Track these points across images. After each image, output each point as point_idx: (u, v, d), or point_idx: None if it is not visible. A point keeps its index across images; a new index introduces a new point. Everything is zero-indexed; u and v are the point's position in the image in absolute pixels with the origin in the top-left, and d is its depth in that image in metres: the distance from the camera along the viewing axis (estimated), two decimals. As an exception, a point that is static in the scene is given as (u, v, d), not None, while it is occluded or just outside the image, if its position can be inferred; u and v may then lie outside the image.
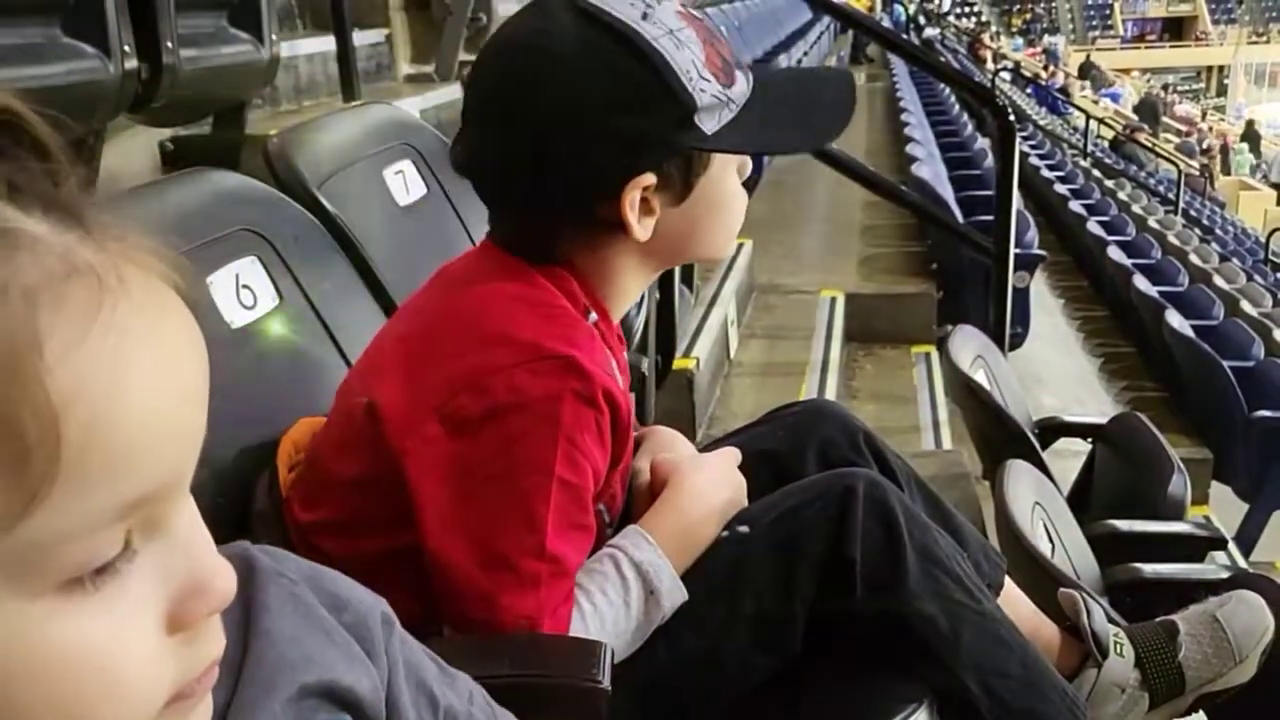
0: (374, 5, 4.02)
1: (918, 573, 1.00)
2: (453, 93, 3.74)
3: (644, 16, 0.96)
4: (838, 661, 1.02)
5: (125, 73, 2.03)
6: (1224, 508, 4.36)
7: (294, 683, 0.55)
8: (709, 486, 1.05)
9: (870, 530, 1.00)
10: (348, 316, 1.29)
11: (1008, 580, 1.24)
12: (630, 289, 1.05)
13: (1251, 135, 22.67)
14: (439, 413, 0.92)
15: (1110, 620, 1.27)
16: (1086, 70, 25.31)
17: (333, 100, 3.43)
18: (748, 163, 1.07)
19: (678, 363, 2.74)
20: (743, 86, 1.03)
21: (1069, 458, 2.73)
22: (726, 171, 1.04)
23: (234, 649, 0.53)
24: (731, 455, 1.09)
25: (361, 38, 3.76)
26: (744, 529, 1.03)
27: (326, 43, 3.46)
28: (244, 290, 1.18)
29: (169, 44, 2.17)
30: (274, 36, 2.66)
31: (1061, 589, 1.27)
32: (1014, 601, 1.23)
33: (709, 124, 0.99)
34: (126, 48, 2.05)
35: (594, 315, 1.01)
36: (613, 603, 0.96)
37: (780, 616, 1.00)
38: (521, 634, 0.89)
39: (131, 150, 2.62)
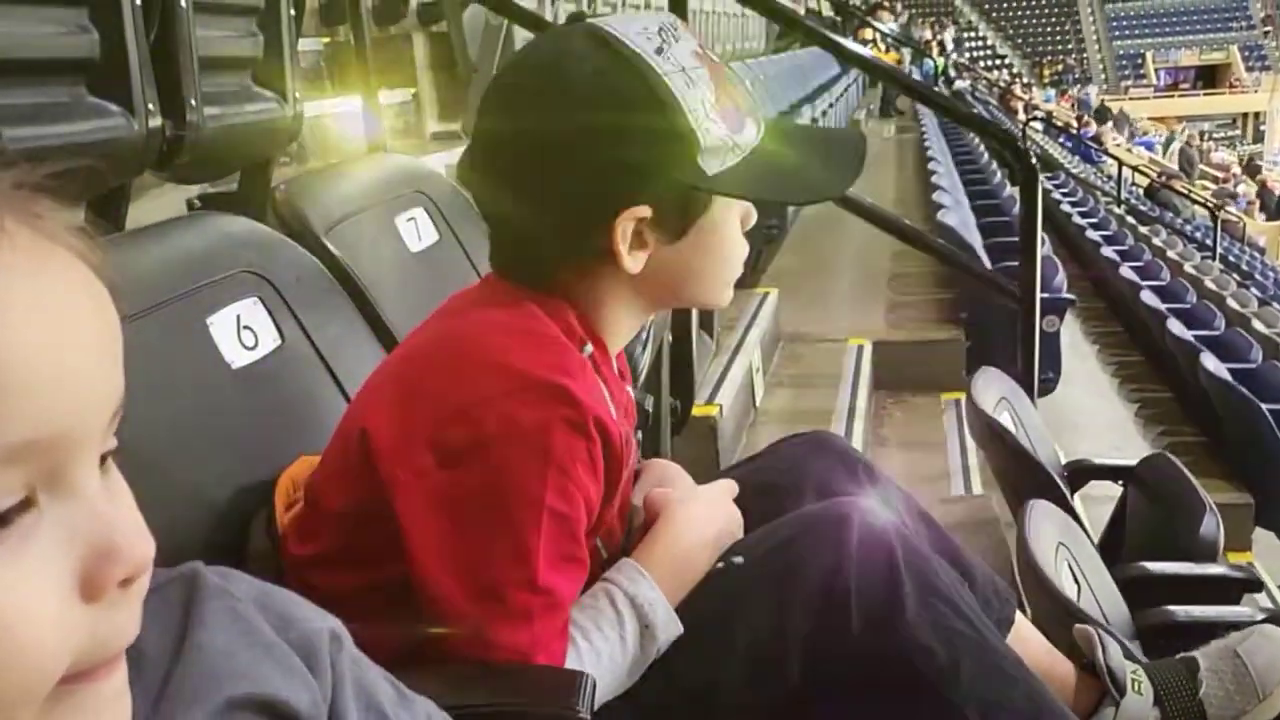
0: (400, 64, 4.09)
1: (915, 603, 0.98)
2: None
3: (659, 51, 0.97)
4: (836, 694, 1.00)
5: (149, 131, 2.07)
6: (1270, 554, 4.26)
7: (220, 696, 0.55)
8: (702, 518, 1.03)
9: (865, 560, 0.99)
10: (351, 358, 1.30)
11: (1020, 618, 1.21)
12: (625, 323, 1.05)
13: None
14: (430, 442, 0.92)
15: (1129, 657, 1.23)
16: (1104, 115, 25.21)
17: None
18: (751, 212, 1.07)
19: (700, 409, 2.73)
20: (751, 134, 1.02)
21: (1103, 503, 2.69)
22: (727, 216, 1.03)
23: (166, 661, 0.53)
24: (727, 487, 1.08)
25: (389, 97, 3.83)
26: (739, 560, 1.02)
27: (353, 102, 3.53)
28: (245, 331, 1.19)
29: (193, 102, 2.22)
30: (298, 95, 2.71)
31: (1077, 625, 1.24)
32: (1027, 639, 1.20)
33: (711, 165, 0.99)
34: (151, 106, 2.09)
35: (590, 347, 1.01)
36: (608, 638, 0.95)
37: (776, 648, 0.98)
38: (503, 664, 0.88)
39: (160, 206, 2.67)
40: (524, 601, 0.90)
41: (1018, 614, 1.21)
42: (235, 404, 1.15)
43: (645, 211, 0.98)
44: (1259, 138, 32.60)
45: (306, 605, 0.62)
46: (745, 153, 1.01)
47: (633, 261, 0.99)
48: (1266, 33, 35.70)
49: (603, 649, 0.94)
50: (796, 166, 1.06)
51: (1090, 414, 4.99)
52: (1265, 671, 1.22)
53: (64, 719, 0.45)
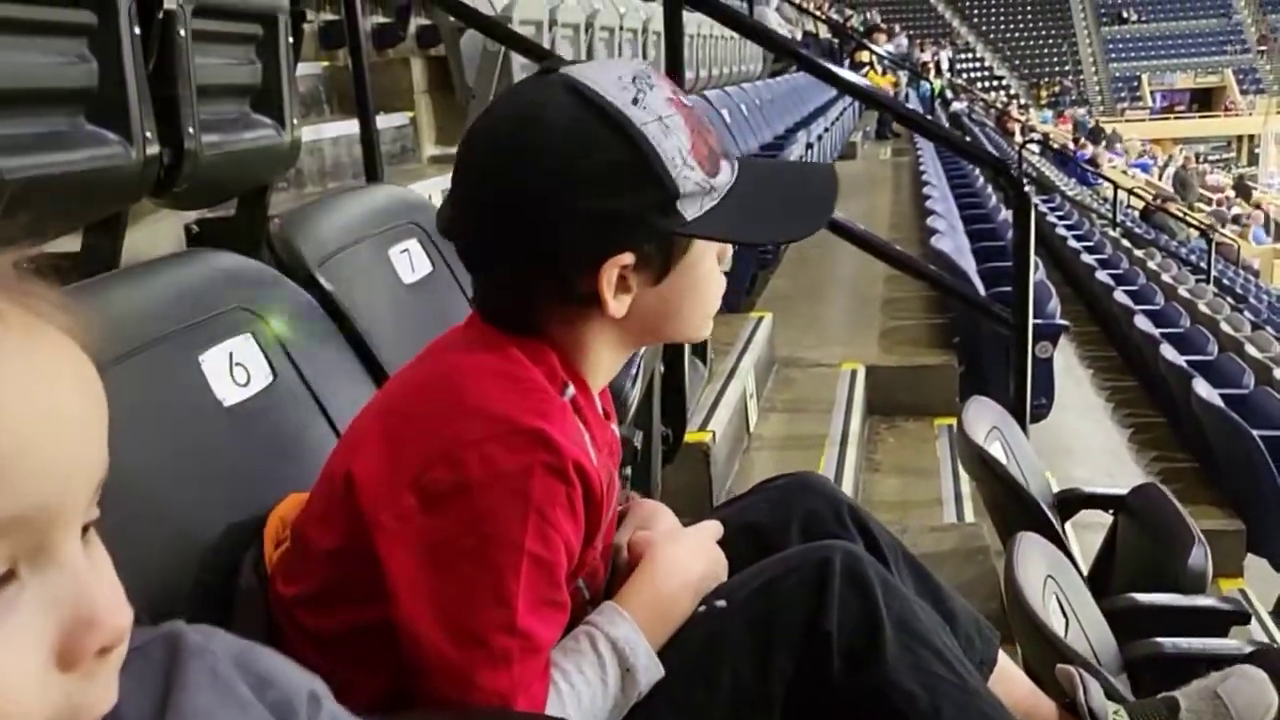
0: (399, 89, 4.12)
1: (896, 647, 0.99)
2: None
3: (634, 101, 0.98)
4: (820, 738, 1.00)
5: (147, 158, 2.08)
6: (1261, 581, 4.27)
7: None
8: (685, 561, 1.04)
9: (847, 603, 1.00)
10: (343, 395, 1.31)
11: (1004, 657, 1.22)
12: (606, 363, 1.06)
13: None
14: (413, 486, 0.93)
15: (1111, 696, 1.24)
16: (1097, 135, 25.32)
17: (358, 182, 3.50)
18: (728, 249, 1.09)
19: (693, 436, 2.74)
20: (726, 176, 1.04)
21: (1095, 530, 2.70)
22: (705, 256, 1.05)
23: None
24: (711, 529, 1.09)
25: (387, 121, 3.85)
26: (721, 603, 1.03)
27: (351, 126, 3.55)
28: (237, 368, 1.20)
29: (190, 130, 2.23)
30: (295, 121, 2.72)
31: (1059, 665, 1.24)
32: (1010, 679, 1.21)
33: (690, 210, 1.00)
34: (148, 134, 2.11)
35: (571, 390, 1.02)
36: (589, 681, 0.95)
37: (758, 692, 0.99)
38: (485, 708, 0.89)
39: (158, 233, 2.69)
40: (503, 645, 0.91)
41: (1001, 653, 1.22)
42: (226, 441, 1.16)
43: (628, 259, 0.99)
44: (1253, 160, 32.72)
45: (287, 665, 0.63)
46: (722, 194, 1.02)
47: (618, 306, 1.00)
48: (1261, 52, 35.87)
49: (584, 691, 0.95)
50: (771, 206, 1.08)
51: (1083, 439, 5.00)
52: (1245, 712, 1.23)
53: None
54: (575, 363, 1.03)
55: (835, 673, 0.99)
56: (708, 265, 1.05)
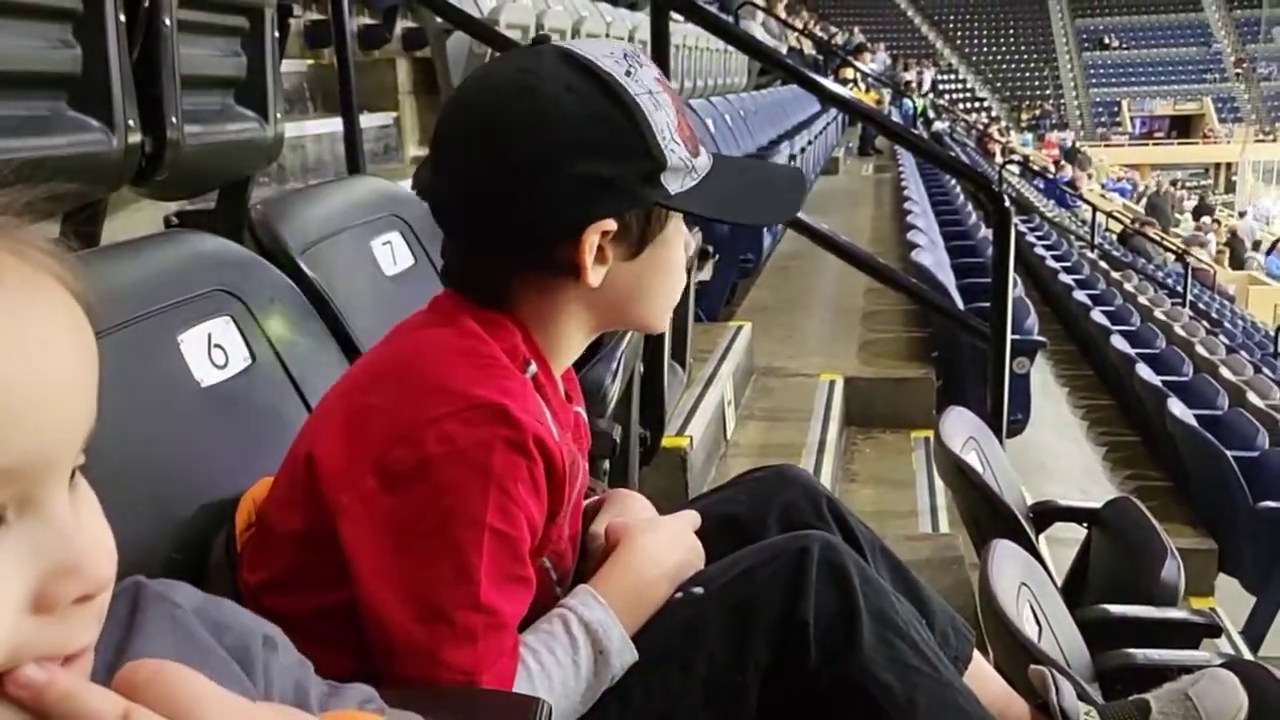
0: (384, 89, 4.11)
1: (872, 637, 0.99)
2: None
3: (627, 73, 0.99)
4: (791, 728, 1.00)
5: (129, 146, 2.07)
6: (1232, 600, 4.29)
7: None
8: (661, 548, 1.04)
9: (824, 593, 1.00)
10: (321, 380, 1.29)
11: (978, 656, 1.22)
12: (571, 341, 1.06)
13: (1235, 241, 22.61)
14: (374, 465, 0.93)
15: (1083, 699, 1.25)
16: (1073, 155, 25.59)
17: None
18: (691, 241, 1.10)
19: (670, 440, 2.74)
20: (705, 160, 1.06)
21: (1068, 545, 2.71)
22: (676, 239, 1.06)
23: (104, 671, 0.54)
24: (689, 519, 1.09)
25: (370, 120, 3.84)
26: (698, 590, 1.02)
27: (335, 124, 3.54)
28: (216, 350, 1.19)
29: (173, 119, 2.22)
30: (279, 115, 2.71)
31: (1032, 666, 1.25)
32: (983, 678, 1.21)
33: (673, 185, 1.01)
34: (131, 122, 2.09)
35: (534, 367, 1.02)
36: (561, 662, 0.95)
37: (734, 680, 0.99)
38: (458, 687, 0.88)
39: (136, 223, 2.67)
40: (468, 621, 0.91)
41: (975, 653, 1.22)
42: (202, 422, 1.15)
43: (611, 226, 1.00)
44: (1230, 187, 33.07)
45: (245, 613, 0.64)
46: (700, 177, 1.04)
47: (594, 275, 1.00)
48: (1238, 75, 36.26)
49: (554, 672, 0.95)
50: (744, 194, 1.09)
51: (1058, 456, 5.02)
52: (1215, 714, 1.24)
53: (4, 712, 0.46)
54: (539, 339, 1.03)
55: (811, 662, 0.99)
56: (677, 250, 1.07)
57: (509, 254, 1.01)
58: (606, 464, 1.44)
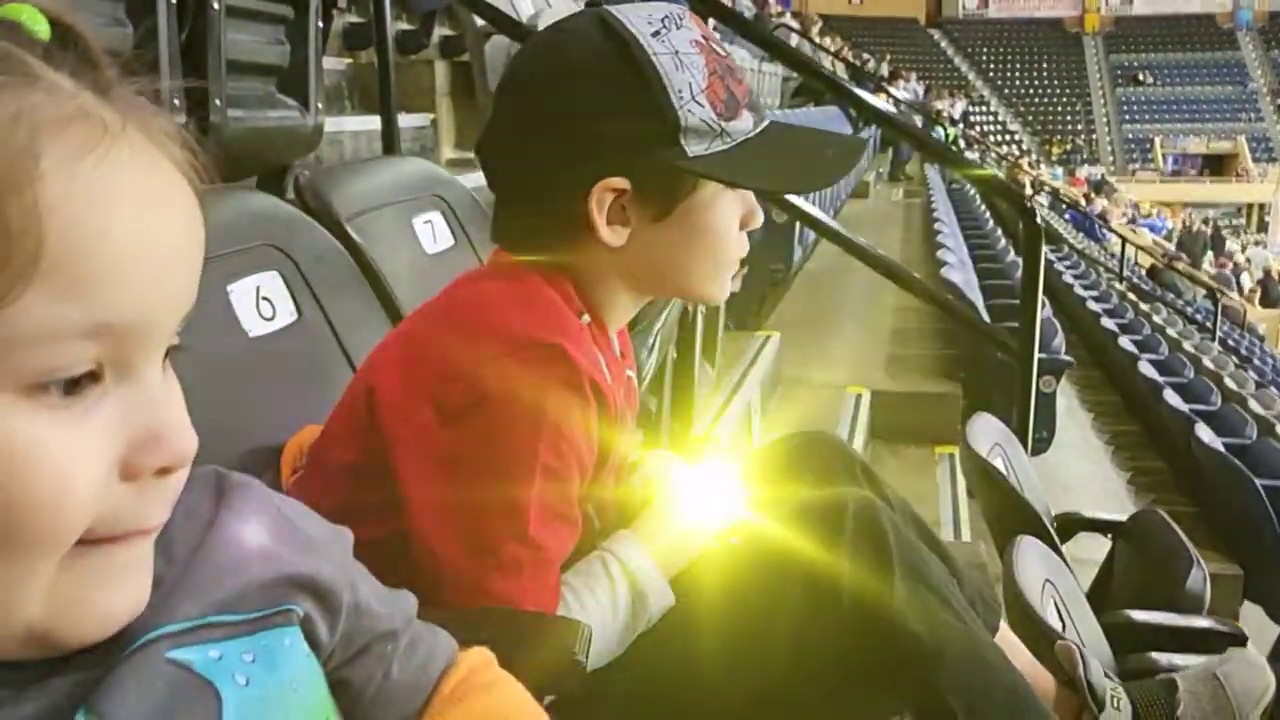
0: (421, 89, 4.16)
1: (904, 591, 1.00)
2: (493, 176, 3.84)
3: (655, 34, 1.01)
4: (821, 678, 1.01)
5: (173, 126, 2.11)
6: (1255, 629, 4.25)
7: (247, 569, 0.58)
8: (700, 499, 1.06)
9: (859, 547, 1.01)
10: (365, 339, 1.32)
11: (1005, 628, 1.23)
12: (619, 301, 1.07)
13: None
14: (432, 400, 0.95)
15: (1108, 676, 1.25)
16: (1100, 188, 25.53)
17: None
18: (755, 213, 1.08)
19: (696, 441, 2.75)
20: (746, 124, 1.04)
21: (1091, 566, 2.70)
22: (717, 204, 1.05)
23: (194, 540, 0.56)
24: (728, 471, 1.10)
25: (408, 120, 3.88)
26: (735, 541, 1.04)
27: (372, 121, 3.58)
28: (264, 303, 1.21)
29: (218, 102, 2.27)
30: (320, 105, 2.75)
31: (1059, 642, 1.25)
32: (1012, 647, 1.22)
33: (694, 147, 1.01)
34: (176, 103, 2.13)
35: (587, 317, 1.04)
36: (600, 602, 0.97)
37: (766, 628, 1.00)
38: (503, 608, 0.90)
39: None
40: (515, 553, 0.92)
41: (1003, 624, 1.22)
42: (250, 370, 1.17)
43: (623, 184, 1.00)
44: (1263, 227, 32.85)
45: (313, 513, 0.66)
46: (735, 142, 1.03)
47: (612, 235, 1.01)
48: (1278, 106, 36.01)
49: (594, 611, 0.96)
50: (786, 162, 1.07)
51: (1082, 478, 5.00)
52: (1242, 694, 1.23)
53: (77, 577, 0.49)
54: (588, 295, 1.05)
55: (843, 612, 1.00)
56: (721, 218, 1.05)
57: (533, 209, 1.04)
58: (641, 435, 1.46)
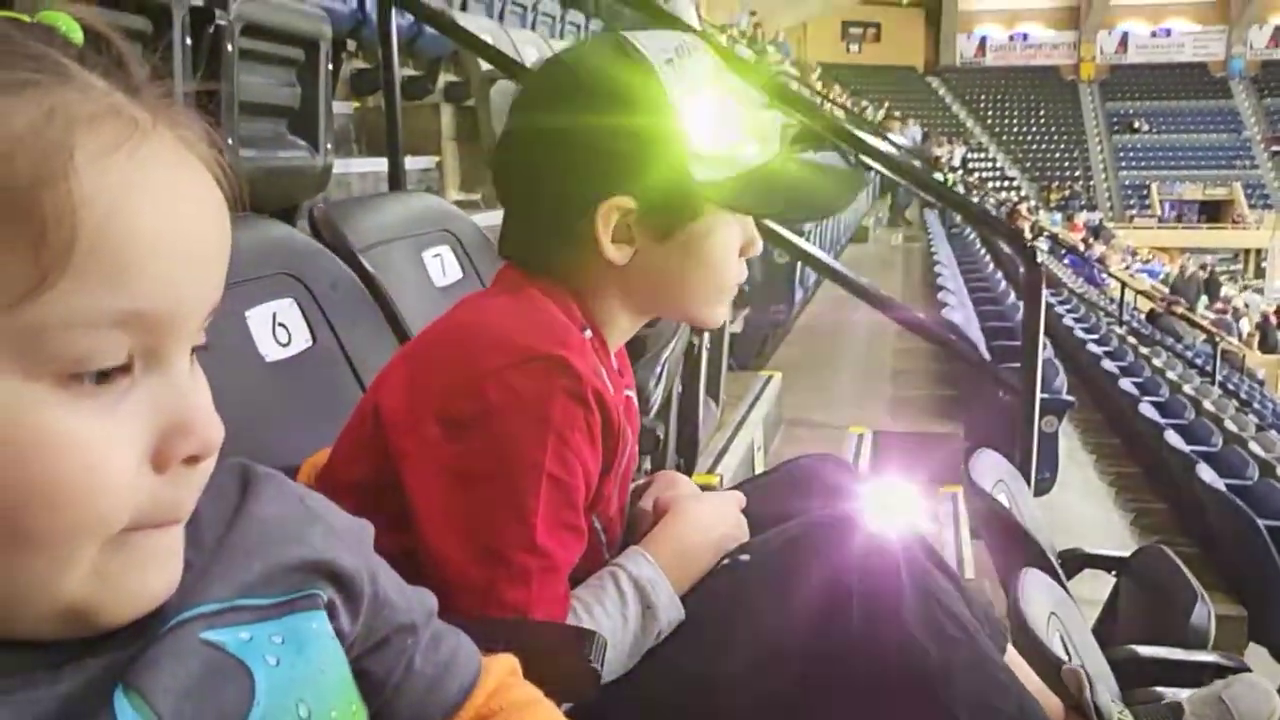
0: (427, 133, 4.21)
1: (914, 606, 1.01)
2: (498, 218, 3.89)
3: (668, 61, 1.04)
4: (832, 694, 1.02)
5: (187, 164, 2.15)
6: (1262, 670, 4.22)
7: (272, 555, 0.60)
8: (708, 518, 1.07)
9: (869, 562, 1.02)
10: (376, 364, 1.33)
11: (1013, 652, 1.23)
12: (620, 319, 1.10)
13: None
14: (437, 414, 0.96)
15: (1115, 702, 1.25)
16: (1098, 232, 25.76)
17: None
18: (755, 241, 1.11)
19: (700, 478, 2.77)
20: (753, 154, 1.08)
21: (1093, 606, 2.69)
22: (721, 232, 1.08)
23: (221, 526, 0.58)
24: (734, 497, 1.12)
25: (413, 162, 3.93)
26: (745, 558, 1.05)
27: (379, 164, 3.63)
28: (280, 328, 1.23)
29: (229, 141, 2.30)
30: (329, 145, 2.80)
31: (1066, 666, 1.26)
32: (1018, 670, 1.22)
33: (701, 172, 1.04)
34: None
35: (589, 332, 1.06)
36: (610, 614, 0.98)
37: (777, 643, 1.01)
38: (515, 619, 0.91)
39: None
40: (523, 562, 0.94)
41: (1010, 648, 1.23)
42: (266, 393, 1.19)
43: (629, 203, 1.03)
44: (1260, 273, 32.97)
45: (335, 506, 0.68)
46: (741, 168, 1.06)
47: (616, 252, 1.04)
48: (1274, 153, 36.23)
49: (604, 623, 0.97)
50: (787, 194, 1.11)
51: (1084, 519, 4.99)
52: (1249, 717, 1.24)
53: (116, 563, 0.50)
54: (591, 310, 1.07)
55: (853, 627, 1.01)
56: (723, 243, 1.08)
57: (540, 224, 1.06)
58: (648, 462, 1.48)
